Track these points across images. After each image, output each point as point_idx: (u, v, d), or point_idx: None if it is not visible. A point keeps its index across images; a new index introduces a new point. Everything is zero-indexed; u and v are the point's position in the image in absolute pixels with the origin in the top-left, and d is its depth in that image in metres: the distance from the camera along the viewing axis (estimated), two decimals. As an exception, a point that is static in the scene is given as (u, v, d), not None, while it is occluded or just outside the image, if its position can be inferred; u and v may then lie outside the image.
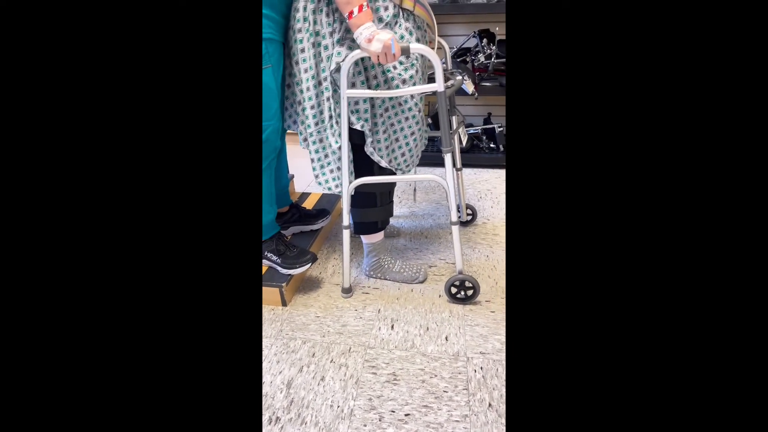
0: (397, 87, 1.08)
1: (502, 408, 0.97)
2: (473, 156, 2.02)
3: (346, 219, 1.23)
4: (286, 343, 1.16)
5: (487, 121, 2.12)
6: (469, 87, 1.54)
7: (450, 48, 1.93)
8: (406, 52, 0.99)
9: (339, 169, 1.20)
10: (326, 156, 1.20)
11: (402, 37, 1.05)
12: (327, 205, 1.64)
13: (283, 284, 1.26)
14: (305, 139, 1.20)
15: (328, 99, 1.12)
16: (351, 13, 0.95)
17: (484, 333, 1.17)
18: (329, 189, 1.24)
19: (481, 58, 1.86)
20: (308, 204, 1.70)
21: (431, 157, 1.92)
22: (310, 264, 1.27)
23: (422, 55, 1.12)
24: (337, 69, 1.07)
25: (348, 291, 1.31)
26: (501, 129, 2.02)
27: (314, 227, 1.52)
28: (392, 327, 1.20)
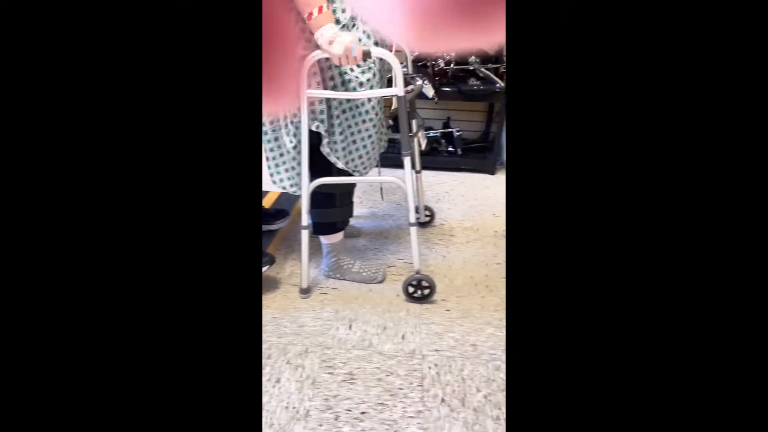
0: (354, 89, 1.10)
1: (455, 402, 1.00)
2: (432, 159, 2.06)
3: (305, 219, 1.23)
4: (241, 345, 1.14)
5: (446, 125, 2.18)
6: (429, 91, 1.58)
7: (411, 52, 1.97)
8: (367, 55, 1.01)
9: (294, 168, 1.20)
10: (281, 155, 1.19)
11: (360, 41, 1.06)
12: (286, 205, 1.63)
13: (239, 285, 1.24)
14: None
15: None
16: (311, 14, 0.96)
17: (438, 331, 1.21)
18: (284, 188, 1.23)
19: (441, 63, 1.91)
20: (267, 203, 1.67)
21: (393, 158, 1.95)
22: (268, 266, 1.26)
23: (381, 59, 1.13)
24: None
25: (306, 291, 1.31)
26: (459, 133, 2.08)
27: (273, 227, 1.50)
28: (350, 327, 1.21)
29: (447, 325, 1.22)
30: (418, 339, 1.18)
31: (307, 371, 1.07)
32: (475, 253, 1.54)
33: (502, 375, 1.08)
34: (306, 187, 1.18)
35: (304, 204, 1.21)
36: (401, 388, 1.03)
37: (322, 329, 1.20)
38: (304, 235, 1.24)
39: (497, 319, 1.26)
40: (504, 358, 1.12)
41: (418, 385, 1.04)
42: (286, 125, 1.14)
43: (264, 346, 1.14)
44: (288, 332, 1.19)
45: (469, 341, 1.17)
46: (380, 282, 1.37)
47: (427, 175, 2.08)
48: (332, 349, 1.14)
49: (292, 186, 1.22)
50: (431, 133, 2.13)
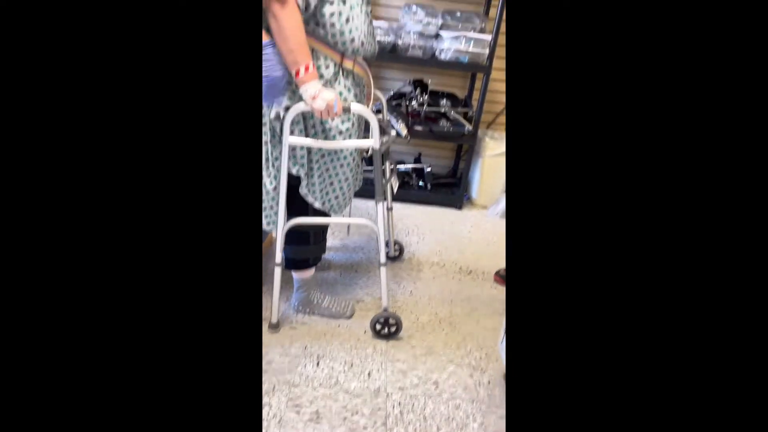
0: (334, 137, 1.16)
1: (416, 442, 1.05)
2: (403, 192, 2.15)
3: (279, 256, 1.26)
4: (208, 382, 1.14)
5: (417, 160, 2.28)
6: (402, 130, 1.67)
7: (386, 92, 2.07)
8: (347, 110, 1.08)
9: (272, 207, 1.24)
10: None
11: (341, 94, 1.13)
12: (258, 236, 1.64)
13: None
14: None
15: (265, 143, 1.16)
16: (298, 71, 1.02)
17: (403, 368, 1.26)
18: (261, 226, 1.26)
19: (415, 104, 2.01)
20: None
21: (367, 190, 2.01)
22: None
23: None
24: (277, 117, 1.11)
25: (276, 326, 1.33)
26: (429, 169, 2.19)
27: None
28: (318, 364, 1.24)
29: (411, 363, 1.28)
30: (383, 377, 1.22)
31: (274, 410, 1.09)
32: (440, 289, 1.62)
33: (462, 413, 1.14)
34: (282, 227, 1.22)
35: (279, 242, 1.24)
36: (365, 428, 1.07)
37: (290, 366, 1.22)
38: (277, 271, 1.27)
39: (459, 356, 1.33)
40: (463, 396, 1.19)
41: (382, 424, 1.08)
42: (267, 168, 1.18)
43: (231, 383, 1.15)
44: (256, 369, 1.20)
45: (431, 379, 1.23)
46: (349, 318, 1.41)
47: (397, 207, 2.16)
48: (299, 387, 1.16)
49: (268, 224, 1.25)
50: (402, 168, 2.22)
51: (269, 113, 1.12)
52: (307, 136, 1.16)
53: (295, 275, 1.39)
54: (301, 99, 1.07)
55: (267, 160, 1.17)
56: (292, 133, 1.13)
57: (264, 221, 1.25)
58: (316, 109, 1.04)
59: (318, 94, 1.03)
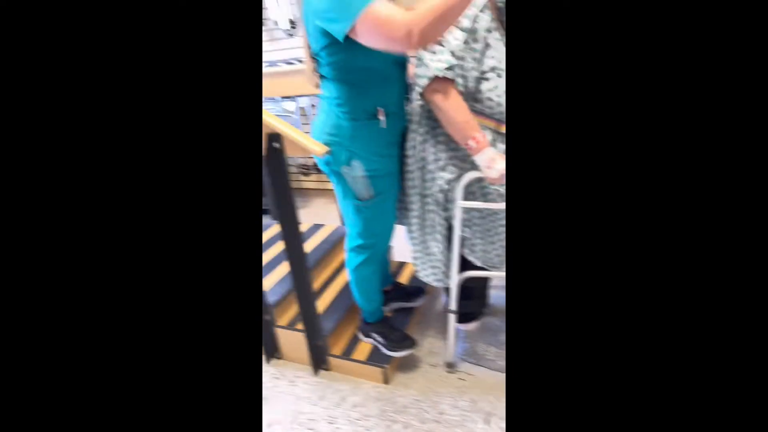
0: (494, 200, 1.18)
1: None
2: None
3: (454, 305, 1.34)
4: (389, 425, 1.29)
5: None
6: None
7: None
8: None
9: (438, 267, 1.33)
10: (427, 255, 1.34)
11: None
12: (422, 282, 1.77)
13: (386, 365, 1.40)
14: (412, 239, 1.36)
15: (431, 211, 1.26)
16: (468, 144, 1.08)
17: None
18: (430, 282, 1.37)
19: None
20: (405, 275, 1.84)
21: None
22: (411, 349, 1.40)
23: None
24: (440, 189, 1.21)
25: (452, 366, 1.40)
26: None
27: (412, 305, 1.65)
28: (487, 422, 1.26)
29: None
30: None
31: (448, 464, 1.15)
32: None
33: None
34: (455, 281, 1.30)
35: (453, 295, 1.32)
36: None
37: (460, 420, 1.27)
38: (451, 319, 1.35)
39: None
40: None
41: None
42: (433, 234, 1.29)
43: (409, 430, 1.27)
44: (428, 418, 1.29)
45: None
46: (517, 372, 1.39)
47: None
48: (471, 443, 1.20)
49: (437, 281, 1.35)
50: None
51: (433, 185, 1.22)
52: (465, 200, 1.21)
53: (460, 327, 1.44)
54: (463, 168, 1.14)
55: (432, 227, 1.28)
56: (464, 198, 1.20)
57: (432, 278, 1.35)
58: (488, 175, 1.09)
59: (492, 163, 1.07)
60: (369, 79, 1.07)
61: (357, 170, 1.14)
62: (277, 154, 1.17)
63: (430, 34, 0.85)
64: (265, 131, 1.15)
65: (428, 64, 1.05)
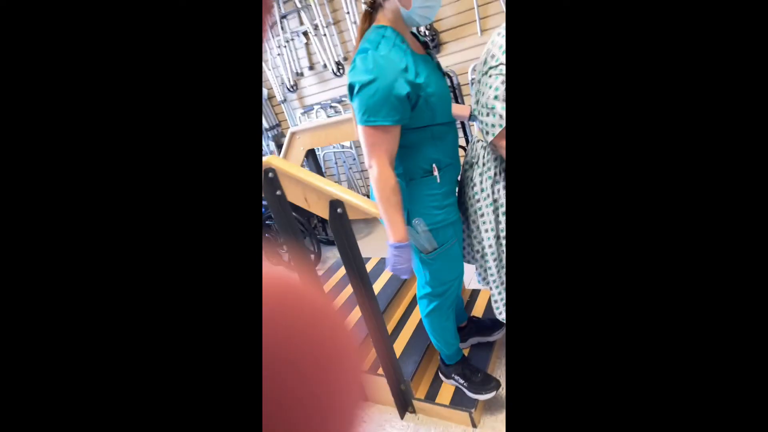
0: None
1: None
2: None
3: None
4: (483, 474, 1.26)
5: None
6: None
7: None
8: None
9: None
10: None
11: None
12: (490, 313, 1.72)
13: (472, 409, 1.38)
14: (484, 279, 1.33)
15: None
16: None
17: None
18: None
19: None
20: (480, 305, 1.80)
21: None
22: (495, 392, 1.36)
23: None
24: None
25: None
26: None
27: (490, 339, 1.60)
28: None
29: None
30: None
31: None
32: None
33: None
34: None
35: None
36: None
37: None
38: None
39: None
40: None
41: None
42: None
43: (504, 479, 1.23)
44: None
45: None
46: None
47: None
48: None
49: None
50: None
51: (505, 227, 1.19)
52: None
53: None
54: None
55: (498, 237, 1.23)
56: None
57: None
58: None
59: None
60: (422, 141, 1.07)
61: (419, 227, 1.14)
62: (341, 219, 1.22)
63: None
64: (327, 198, 1.20)
65: (502, 114, 1.03)
